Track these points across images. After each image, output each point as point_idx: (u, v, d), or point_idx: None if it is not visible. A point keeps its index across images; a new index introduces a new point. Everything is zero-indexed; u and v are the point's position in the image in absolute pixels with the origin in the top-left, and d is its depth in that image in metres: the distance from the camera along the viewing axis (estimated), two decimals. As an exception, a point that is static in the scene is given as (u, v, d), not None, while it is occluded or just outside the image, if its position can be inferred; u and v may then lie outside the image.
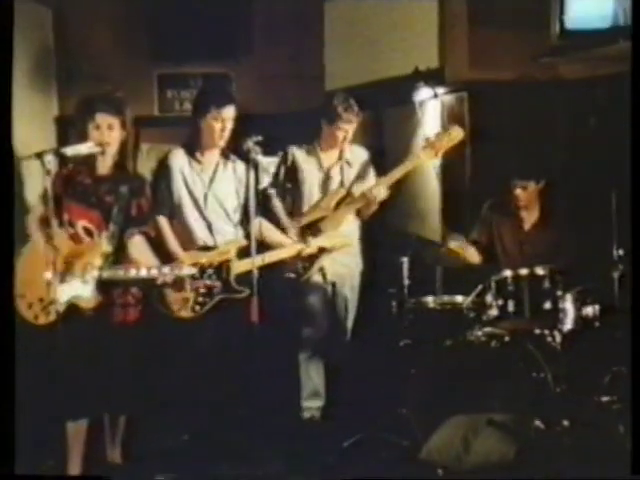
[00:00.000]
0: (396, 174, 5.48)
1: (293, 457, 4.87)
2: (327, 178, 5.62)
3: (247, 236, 4.90)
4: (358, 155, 5.69)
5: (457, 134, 5.48)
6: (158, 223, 4.97)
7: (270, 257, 5.03)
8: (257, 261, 4.66)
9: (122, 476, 4.75)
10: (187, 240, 5.03)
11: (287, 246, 5.21)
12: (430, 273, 5.71)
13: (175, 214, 5.11)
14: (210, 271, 4.62)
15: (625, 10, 5.26)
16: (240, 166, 5.16)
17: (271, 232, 5.24)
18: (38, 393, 4.90)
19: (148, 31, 7.16)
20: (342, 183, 5.60)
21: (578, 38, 5.48)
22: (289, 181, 5.56)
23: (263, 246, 4.92)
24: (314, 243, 5.27)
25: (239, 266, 4.86)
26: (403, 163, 5.50)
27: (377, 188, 5.45)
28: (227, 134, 5.05)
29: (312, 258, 5.33)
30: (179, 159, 5.14)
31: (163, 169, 5.13)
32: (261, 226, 5.02)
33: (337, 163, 5.62)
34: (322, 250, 5.29)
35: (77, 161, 4.66)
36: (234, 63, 7.30)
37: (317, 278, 5.47)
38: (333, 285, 5.58)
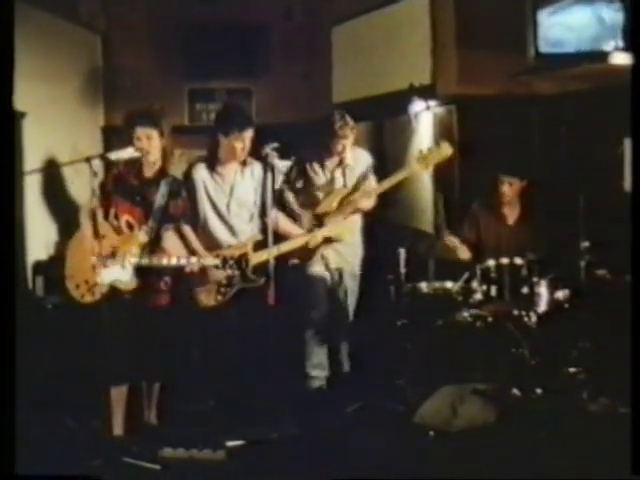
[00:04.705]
0: (389, 182, 5.48)
1: (303, 421, 4.92)
2: (331, 180, 5.60)
3: (264, 229, 4.97)
4: (360, 158, 5.66)
5: (447, 150, 5.44)
6: (184, 231, 4.97)
7: (284, 247, 5.07)
8: (273, 251, 4.71)
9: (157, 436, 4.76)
10: (212, 245, 5.06)
11: (297, 236, 5.25)
12: (424, 262, 5.73)
13: (200, 223, 5.14)
14: (231, 262, 4.61)
15: (588, 37, 5.37)
16: (257, 167, 5.18)
17: (284, 223, 5.30)
18: (77, 366, 5.15)
19: (181, 53, 7.28)
20: (345, 184, 5.59)
21: (550, 60, 5.56)
22: (300, 181, 5.55)
23: (277, 238, 4.92)
24: (320, 233, 5.31)
25: (257, 257, 4.95)
26: (398, 172, 5.52)
27: (367, 200, 5.47)
28: (246, 151, 5.09)
29: (316, 249, 5.36)
30: (201, 173, 5.16)
31: (188, 181, 5.12)
32: (277, 217, 5.06)
33: (339, 167, 5.59)
34: (327, 240, 5.32)
35: (127, 164, 4.74)
36: (254, 80, 7.40)
37: (319, 267, 5.49)
38: (336, 273, 5.54)
